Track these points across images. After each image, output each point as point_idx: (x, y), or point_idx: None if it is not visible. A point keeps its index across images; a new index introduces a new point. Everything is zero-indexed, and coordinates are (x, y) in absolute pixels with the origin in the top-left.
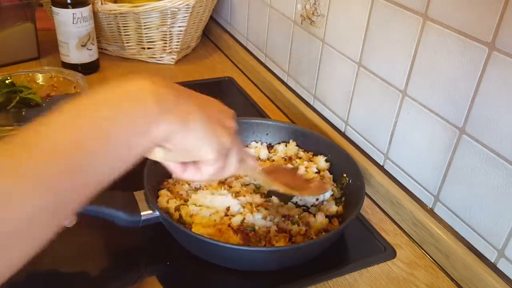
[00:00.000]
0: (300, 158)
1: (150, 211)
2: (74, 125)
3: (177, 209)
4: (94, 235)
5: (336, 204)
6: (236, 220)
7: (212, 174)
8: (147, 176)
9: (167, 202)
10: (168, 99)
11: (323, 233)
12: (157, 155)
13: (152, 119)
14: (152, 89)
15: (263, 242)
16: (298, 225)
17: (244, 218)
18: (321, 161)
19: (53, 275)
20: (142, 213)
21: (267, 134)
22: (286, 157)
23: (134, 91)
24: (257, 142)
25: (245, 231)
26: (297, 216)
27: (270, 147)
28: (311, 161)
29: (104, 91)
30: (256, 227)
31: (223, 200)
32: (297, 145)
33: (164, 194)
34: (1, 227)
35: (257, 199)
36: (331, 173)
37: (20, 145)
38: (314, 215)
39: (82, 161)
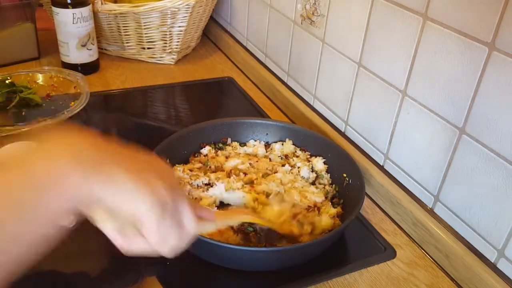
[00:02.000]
0: (297, 156)
1: None
2: None
3: None
4: (94, 235)
5: (334, 206)
6: None
7: (158, 234)
8: None
9: None
10: (90, 160)
11: (327, 233)
12: (97, 219)
13: (73, 183)
14: (73, 151)
15: (263, 243)
16: (303, 226)
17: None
18: (319, 163)
19: (53, 275)
20: None
21: (266, 134)
22: (282, 156)
23: (54, 151)
24: (255, 141)
25: (246, 231)
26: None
27: (268, 145)
28: (308, 161)
29: (22, 155)
30: (257, 227)
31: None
32: (294, 144)
33: None
34: None
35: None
36: (330, 176)
37: None
38: (319, 215)
39: None
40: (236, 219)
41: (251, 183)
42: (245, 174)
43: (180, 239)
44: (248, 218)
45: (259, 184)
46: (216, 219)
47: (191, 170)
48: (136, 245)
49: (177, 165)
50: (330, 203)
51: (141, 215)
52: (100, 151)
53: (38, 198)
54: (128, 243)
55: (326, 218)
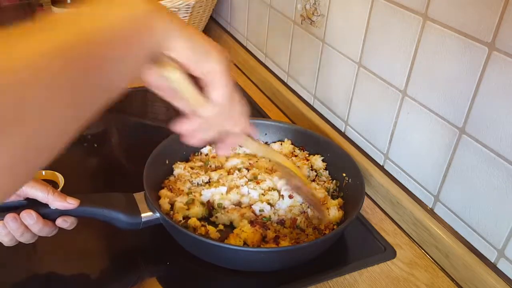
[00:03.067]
0: (296, 156)
1: (151, 213)
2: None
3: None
4: (94, 236)
5: (333, 198)
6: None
7: (224, 97)
8: (146, 177)
9: (169, 202)
10: (173, 16)
11: (335, 227)
12: (166, 72)
13: (147, 17)
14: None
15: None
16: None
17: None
18: (318, 161)
19: (53, 276)
20: (142, 215)
21: (265, 134)
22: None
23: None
24: None
25: (262, 222)
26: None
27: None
28: (307, 159)
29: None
30: (271, 217)
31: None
32: (292, 144)
33: (164, 194)
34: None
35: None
36: (330, 173)
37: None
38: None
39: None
40: (278, 157)
41: (255, 178)
42: (248, 169)
43: (237, 110)
44: (288, 163)
45: (263, 180)
46: (260, 144)
47: (192, 168)
48: (196, 135)
49: (178, 162)
50: (330, 197)
51: (215, 73)
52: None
53: (133, 37)
54: (188, 107)
55: (334, 210)
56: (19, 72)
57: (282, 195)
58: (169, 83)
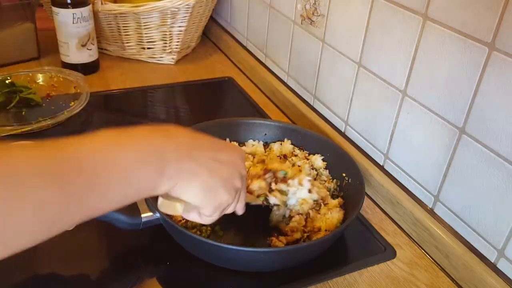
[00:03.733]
0: (296, 155)
1: (151, 213)
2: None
3: None
4: (94, 236)
5: (333, 198)
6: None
7: (210, 221)
8: None
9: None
10: (181, 155)
11: (338, 225)
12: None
13: (163, 175)
14: (170, 143)
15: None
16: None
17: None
18: (318, 160)
19: (52, 276)
20: (142, 215)
21: (265, 134)
22: (281, 155)
23: (156, 144)
24: (254, 140)
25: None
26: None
27: (266, 145)
28: (307, 159)
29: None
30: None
31: None
32: (292, 144)
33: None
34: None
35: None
36: (329, 173)
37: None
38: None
39: (94, 181)
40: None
41: (262, 161)
42: (254, 156)
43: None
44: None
45: (271, 163)
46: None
47: None
48: (193, 217)
49: None
50: (330, 197)
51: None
52: (190, 142)
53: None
54: (187, 215)
55: (337, 211)
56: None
57: (302, 184)
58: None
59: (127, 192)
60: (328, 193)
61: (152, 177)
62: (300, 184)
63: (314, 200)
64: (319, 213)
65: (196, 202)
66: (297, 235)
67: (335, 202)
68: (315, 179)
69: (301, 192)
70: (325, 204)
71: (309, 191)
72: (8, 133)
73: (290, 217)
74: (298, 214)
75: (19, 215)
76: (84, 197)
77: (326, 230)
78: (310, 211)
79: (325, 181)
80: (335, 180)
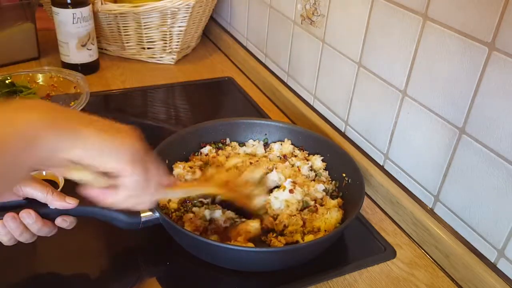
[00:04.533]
0: (296, 156)
1: (150, 213)
2: None
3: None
4: (93, 236)
5: (333, 198)
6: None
7: (130, 190)
8: None
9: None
10: (58, 114)
11: (337, 225)
12: (72, 173)
13: (39, 131)
14: (42, 106)
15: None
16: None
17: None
18: (317, 160)
19: (52, 276)
20: (142, 215)
21: (265, 134)
22: (281, 156)
23: (25, 106)
24: (254, 140)
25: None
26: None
27: (266, 145)
28: (306, 159)
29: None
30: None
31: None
32: (292, 144)
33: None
34: None
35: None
36: (330, 173)
37: None
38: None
39: None
40: (194, 191)
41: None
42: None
43: (147, 197)
44: (203, 190)
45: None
46: (177, 188)
47: (191, 167)
48: (110, 197)
49: (178, 162)
50: (329, 198)
51: (118, 169)
52: (66, 111)
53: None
54: (103, 196)
55: (335, 211)
56: None
57: (284, 186)
58: (79, 182)
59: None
60: (325, 194)
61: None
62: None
63: (303, 201)
64: (317, 214)
65: (95, 156)
66: (297, 237)
67: (334, 202)
68: (313, 180)
69: (283, 194)
70: (321, 205)
71: (290, 191)
72: None
73: (276, 216)
74: (291, 215)
75: None
76: None
77: (325, 231)
78: (306, 211)
79: (324, 182)
80: (334, 181)
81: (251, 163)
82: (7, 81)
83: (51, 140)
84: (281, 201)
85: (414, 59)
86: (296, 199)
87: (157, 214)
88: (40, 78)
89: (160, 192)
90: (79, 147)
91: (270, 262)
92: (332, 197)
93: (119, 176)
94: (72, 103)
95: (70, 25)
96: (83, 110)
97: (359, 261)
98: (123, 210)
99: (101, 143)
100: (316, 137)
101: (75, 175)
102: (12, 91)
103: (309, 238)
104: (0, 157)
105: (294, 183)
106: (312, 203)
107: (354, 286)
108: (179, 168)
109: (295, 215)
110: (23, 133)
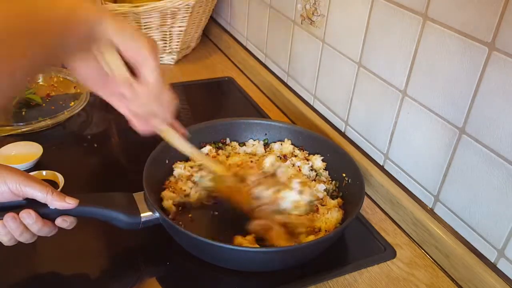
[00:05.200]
0: (296, 156)
1: (150, 213)
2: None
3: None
4: (93, 236)
5: (333, 198)
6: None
7: (149, 87)
8: (146, 177)
9: (173, 203)
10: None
11: (338, 225)
12: (105, 55)
13: (77, 10)
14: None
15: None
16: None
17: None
18: (317, 160)
19: (52, 276)
20: (142, 215)
21: (265, 134)
22: (281, 155)
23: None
24: (254, 140)
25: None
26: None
27: (266, 145)
28: (306, 159)
29: None
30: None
31: None
32: (292, 144)
33: (167, 195)
34: None
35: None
36: (330, 173)
37: None
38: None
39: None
40: (201, 156)
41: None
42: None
43: (159, 111)
44: (210, 163)
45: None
46: (186, 142)
47: (191, 167)
48: (131, 91)
49: (178, 162)
50: (329, 198)
51: (144, 54)
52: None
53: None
54: (129, 91)
55: (335, 211)
56: None
57: (292, 187)
58: (105, 63)
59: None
60: (325, 194)
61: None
62: (290, 187)
63: (310, 201)
64: (318, 214)
65: (134, 39)
66: (304, 238)
67: (334, 202)
68: (314, 180)
69: (292, 194)
70: (322, 205)
71: (300, 192)
72: (8, 133)
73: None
74: (299, 216)
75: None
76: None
77: (326, 231)
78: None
79: (324, 182)
80: (334, 181)
81: (251, 161)
82: None
83: (88, 18)
84: (291, 202)
85: (414, 59)
86: (305, 200)
87: (157, 214)
88: (40, 78)
89: (170, 118)
90: (114, 29)
91: (270, 262)
92: (332, 197)
93: (142, 65)
94: (72, 103)
95: None
96: (83, 110)
97: (359, 261)
98: (123, 210)
99: (133, 31)
100: (316, 137)
101: (107, 57)
102: None
103: (310, 238)
104: (48, 36)
105: (302, 183)
106: (316, 203)
107: (354, 286)
108: (180, 168)
109: (302, 216)
110: (65, 12)
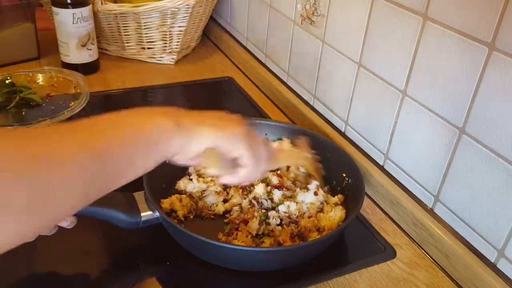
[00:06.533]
0: None
1: (150, 212)
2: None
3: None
4: (93, 236)
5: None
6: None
7: (250, 167)
8: (147, 176)
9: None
10: (183, 117)
11: (340, 224)
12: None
13: (171, 132)
14: (170, 112)
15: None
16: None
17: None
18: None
19: (52, 276)
20: (142, 214)
21: (265, 134)
22: None
23: (158, 112)
24: None
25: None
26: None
27: None
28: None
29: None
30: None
31: None
32: (291, 143)
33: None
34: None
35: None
36: (330, 173)
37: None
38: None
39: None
40: (293, 160)
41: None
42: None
43: (261, 168)
44: (300, 160)
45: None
46: (280, 159)
47: (201, 177)
48: (234, 178)
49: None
50: (329, 195)
51: (242, 155)
52: (186, 114)
53: (151, 149)
54: (229, 177)
55: (339, 210)
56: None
57: (308, 188)
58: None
59: (157, 160)
60: (324, 192)
61: (174, 141)
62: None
63: (321, 202)
64: (322, 213)
65: (219, 141)
66: (313, 236)
67: (335, 199)
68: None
69: (308, 196)
70: (327, 203)
71: (315, 193)
72: None
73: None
74: (309, 217)
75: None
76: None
77: (329, 230)
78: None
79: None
80: (334, 181)
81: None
82: (7, 81)
83: (179, 140)
84: (306, 204)
85: (414, 59)
86: (319, 201)
87: (157, 214)
88: (40, 78)
89: (269, 163)
90: (200, 143)
91: (270, 262)
92: (333, 194)
93: (239, 158)
94: (72, 103)
95: (70, 25)
96: (83, 110)
97: (359, 261)
98: (123, 210)
99: (223, 139)
100: (316, 137)
101: (204, 163)
102: (12, 91)
103: (313, 236)
104: (149, 146)
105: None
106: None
107: (354, 286)
108: (191, 182)
109: (312, 216)
110: (162, 131)
